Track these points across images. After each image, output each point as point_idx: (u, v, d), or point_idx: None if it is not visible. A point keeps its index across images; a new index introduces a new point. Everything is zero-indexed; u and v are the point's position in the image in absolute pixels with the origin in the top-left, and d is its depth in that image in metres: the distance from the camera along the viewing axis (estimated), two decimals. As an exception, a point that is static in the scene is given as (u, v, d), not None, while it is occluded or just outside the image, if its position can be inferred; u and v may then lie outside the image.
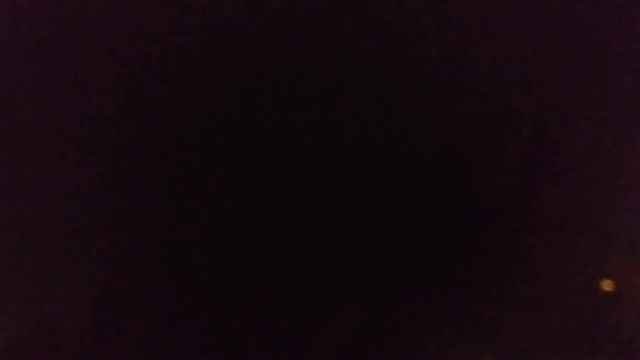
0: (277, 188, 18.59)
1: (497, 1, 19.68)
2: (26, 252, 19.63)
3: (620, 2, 20.18)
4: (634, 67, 20.27)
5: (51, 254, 19.47)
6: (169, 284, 18.76)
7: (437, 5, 19.36)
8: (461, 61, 19.96)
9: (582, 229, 18.47)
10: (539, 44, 19.41)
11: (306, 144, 18.85)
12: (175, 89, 19.64)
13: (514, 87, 19.22)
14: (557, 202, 18.49)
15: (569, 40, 19.40)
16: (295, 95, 18.52)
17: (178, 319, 18.51)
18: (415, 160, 19.40)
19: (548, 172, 18.68)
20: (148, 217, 18.77)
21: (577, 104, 19.17)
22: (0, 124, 19.36)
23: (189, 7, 19.53)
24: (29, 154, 19.50)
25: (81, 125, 19.06)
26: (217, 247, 18.75)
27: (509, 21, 19.88)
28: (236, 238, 18.64)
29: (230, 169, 18.73)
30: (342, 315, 18.94)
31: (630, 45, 20.35)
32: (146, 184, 18.74)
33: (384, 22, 19.01)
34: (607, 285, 18.93)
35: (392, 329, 18.19)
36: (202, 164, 18.80)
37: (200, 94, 19.51)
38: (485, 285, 18.02)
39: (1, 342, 18.85)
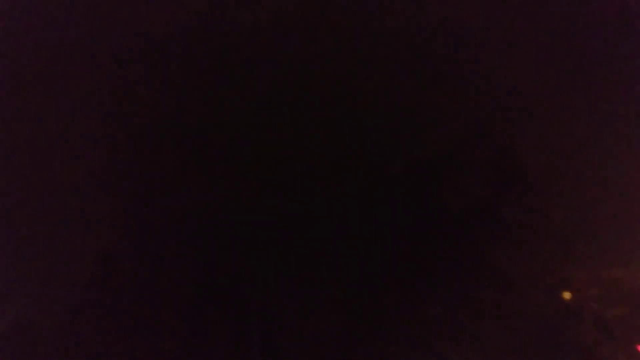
0: (254, 193, 19.18)
1: (466, 25, 20.85)
2: (3, 251, 19.79)
3: (590, 17, 21.40)
4: (598, 82, 21.43)
5: (29, 253, 19.69)
6: (146, 285, 19.13)
7: (409, 29, 20.43)
8: (433, 81, 20.99)
9: (544, 240, 19.31)
10: (505, 63, 20.50)
11: (283, 153, 19.59)
12: (172, 92, 20.20)
13: (481, 104, 20.24)
14: (520, 214, 19.31)
15: (533, 59, 20.53)
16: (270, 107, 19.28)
17: (153, 320, 18.83)
18: (386, 173, 20.22)
19: (511, 184, 19.49)
20: (128, 220, 19.19)
21: (541, 119, 20.21)
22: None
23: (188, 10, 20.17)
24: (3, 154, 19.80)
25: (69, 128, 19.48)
26: (195, 250, 19.22)
27: (478, 43, 21.01)
28: (212, 240, 19.16)
29: (209, 171, 19.29)
30: (316, 318, 19.48)
31: (595, 60, 21.54)
32: (129, 185, 19.18)
33: (354, 41, 19.97)
34: (567, 295, 19.82)
35: (362, 332, 18.77)
36: (178, 165, 19.33)
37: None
38: (451, 293, 18.73)
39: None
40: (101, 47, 21.03)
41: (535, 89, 21.49)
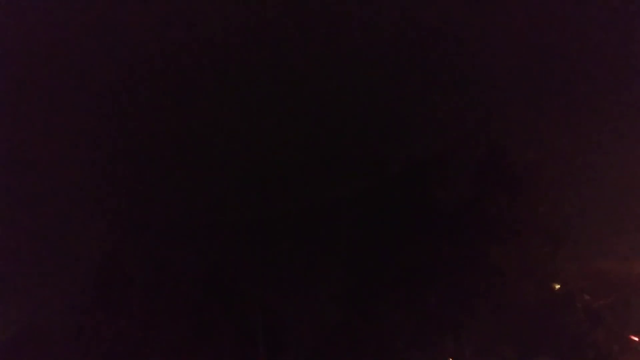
0: (254, 196, 19.77)
1: (461, 25, 21.62)
2: (10, 257, 20.10)
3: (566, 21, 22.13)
4: (582, 83, 22.20)
5: (35, 259, 20.02)
6: (150, 285, 19.53)
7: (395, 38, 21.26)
8: (427, 83, 21.74)
9: (533, 234, 19.91)
10: (496, 64, 21.26)
11: (284, 155, 20.18)
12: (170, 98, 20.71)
13: (470, 107, 21.03)
14: (511, 210, 19.93)
15: (518, 60, 21.37)
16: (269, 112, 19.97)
17: (156, 320, 19.17)
18: (384, 173, 20.92)
19: (503, 182, 20.10)
20: (131, 221, 19.60)
21: (528, 119, 20.96)
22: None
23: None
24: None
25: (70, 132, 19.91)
26: (198, 248, 19.62)
27: (472, 44, 21.75)
28: (214, 242, 19.55)
29: (211, 172, 19.85)
30: (315, 313, 19.97)
31: (577, 60, 22.31)
32: (132, 186, 19.67)
33: (343, 47, 20.69)
34: (558, 287, 20.41)
35: (362, 327, 19.26)
36: (178, 166, 19.78)
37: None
38: (444, 285, 19.22)
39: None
40: (102, 49, 21.52)
41: (525, 89, 22.31)
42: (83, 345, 18.87)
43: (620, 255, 20.61)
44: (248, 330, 18.86)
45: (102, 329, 18.95)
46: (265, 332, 18.75)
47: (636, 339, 19.93)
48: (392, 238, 20.53)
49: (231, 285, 19.38)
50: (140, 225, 19.58)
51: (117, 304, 19.29)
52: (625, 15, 22.15)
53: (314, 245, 20.24)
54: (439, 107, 20.88)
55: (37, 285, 19.71)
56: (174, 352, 18.88)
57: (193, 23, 21.51)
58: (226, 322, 18.86)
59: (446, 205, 20.72)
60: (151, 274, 19.66)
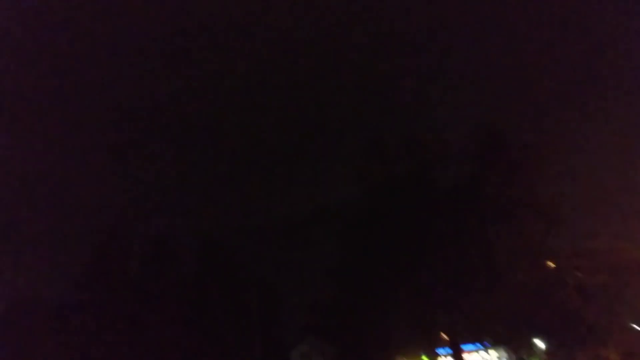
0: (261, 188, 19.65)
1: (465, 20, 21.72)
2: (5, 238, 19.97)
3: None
4: (578, 68, 22.47)
5: (31, 239, 19.91)
6: (147, 264, 19.49)
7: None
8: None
9: (527, 213, 20.01)
10: (487, 50, 21.42)
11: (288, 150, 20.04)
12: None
13: (467, 89, 21.18)
14: (506, 190, 20.01)
15: (515, 43, 21.52)
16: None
17: (153, 294, 19.23)
18: (382, 150, 20.94)
19: (498, 163, 20.18)
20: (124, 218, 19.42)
21: (524, 102, 21.24)
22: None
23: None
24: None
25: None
26: (193, 227, 19.58)
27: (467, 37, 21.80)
28: (210, 218, 19.46)
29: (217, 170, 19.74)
30: (310, 292, 20.06)
31: (571, 47, 22.53)
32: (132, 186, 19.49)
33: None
34: (552, 265, 20.60)
35: (356, 302, 19.38)
36: (174, 165, 19.67)
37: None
38: (438, 262, 19.34)
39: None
40: (102, 50, 21.49)
41: (521, 72, 22.43)
42: (81, 318, 18.82)
43: (615, 235, 20.84)
44: (243, 304, 18.92)
45: (100, 302, 18.94)
46: (260, 307, 18.83)
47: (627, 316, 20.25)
48: (387, 215, 20.62)
49: (227, 259, 19.42)
50: (139, 203, 19.60)
51: (115, 278, 19.27)
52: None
53: (309, 221, 20.28)
54: (437, 89, 21.06)
55: (27, 264, 19.64)
56: (170, 325, 18.89)
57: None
58: (221, 296, 18.91)
59: (442, 184, 20.89)
60: (149, 249, 19.64)
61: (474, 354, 23.36)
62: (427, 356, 23.95)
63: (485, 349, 23.34)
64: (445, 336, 22.03)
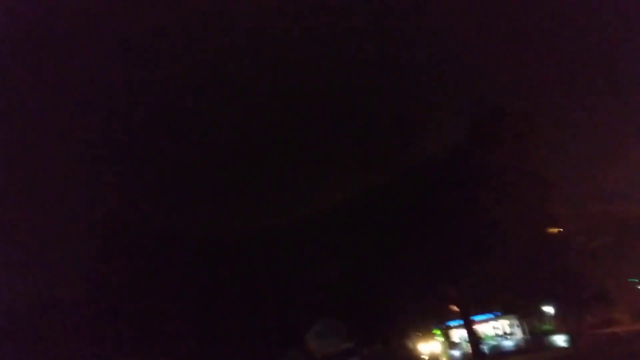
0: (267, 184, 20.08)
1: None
2: (19, 235, 20.51)
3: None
4: (571, 33, 22.38)
5: (43, 237, 20.47)
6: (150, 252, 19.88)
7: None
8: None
9: (525, 180, 20.19)
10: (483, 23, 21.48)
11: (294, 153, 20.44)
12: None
13: (464, 61, 21.37)
14: (502, 158, 20.17)
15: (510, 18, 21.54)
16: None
17: (157, 280, 19.59)
18: (375, 126, 21.18)
19: (494, 131, 20.35)
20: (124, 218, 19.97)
21: (520, 71, 21.28)
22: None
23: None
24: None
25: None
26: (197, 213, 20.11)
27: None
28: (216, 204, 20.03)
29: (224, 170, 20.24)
30: (320, 274, 20.50)
31: (564, 15, 22.41)
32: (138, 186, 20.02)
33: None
34: (554, 230, 20.73)
35: (364, 277, 19.80)
36: (172, 166, 20.21)
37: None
38: (442, 234, 19.60)
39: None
40: (103, 50, 21.88)
41: (516, 42, 22.48)
42: (92, 320, 19.17)
43: (614, 196, 20.99)
44: (250, 287, 19.26)
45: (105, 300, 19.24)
46: (267, 290, 19.24)
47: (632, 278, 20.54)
48: (387, 190, 20.93)
49: (233, 242, 19.74)
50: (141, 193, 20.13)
51: (119, 266, 19.50)
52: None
53: (313, 201, 20.72)
54: (434, 62, 21.27)
55: (45, 261, 20.10)
56: (175, 311, 19.19)
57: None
58: (227, 279, 19.17)
59: (440, 154, 21.10)
60: (152, 238, 19.89)
61: (485, 324, 23.82)
62: (439, 330, 24.54)
63: (496, 318, 23.82)
64: (455, 308, 22.53)
